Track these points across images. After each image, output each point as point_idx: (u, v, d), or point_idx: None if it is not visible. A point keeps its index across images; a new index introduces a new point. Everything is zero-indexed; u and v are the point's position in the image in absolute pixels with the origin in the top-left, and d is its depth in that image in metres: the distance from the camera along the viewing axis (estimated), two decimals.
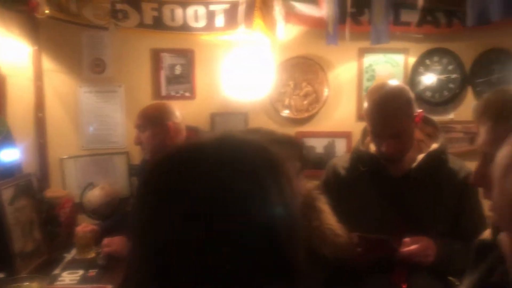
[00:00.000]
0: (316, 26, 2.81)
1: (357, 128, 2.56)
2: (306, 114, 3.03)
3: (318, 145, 3.04)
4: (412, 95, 1.87)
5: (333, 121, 3.05)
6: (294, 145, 1.36)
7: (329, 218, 1.42)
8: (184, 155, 0.69)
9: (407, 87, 1.92)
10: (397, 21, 2.83)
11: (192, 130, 2.45)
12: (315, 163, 2.92)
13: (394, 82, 2.03)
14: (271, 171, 0.67)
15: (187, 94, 2.99)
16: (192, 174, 0.65)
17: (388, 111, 1.81)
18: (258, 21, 2.71)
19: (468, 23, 2.03)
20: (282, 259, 0.65)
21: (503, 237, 0.55)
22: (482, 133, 1.10)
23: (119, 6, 2.64)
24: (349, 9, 2.55)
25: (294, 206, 0.68)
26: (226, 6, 2.72)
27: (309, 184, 1.49)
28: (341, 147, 3.03)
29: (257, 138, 0.74)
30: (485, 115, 1.08)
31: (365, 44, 2.79)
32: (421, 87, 3.00)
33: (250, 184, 0.65)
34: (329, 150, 3.03)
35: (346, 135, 3.01)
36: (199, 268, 0.62)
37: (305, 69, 3.01)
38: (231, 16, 2.72)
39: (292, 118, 3.03)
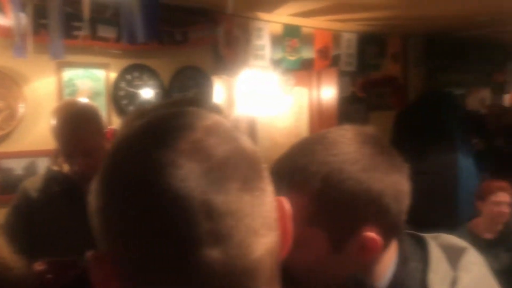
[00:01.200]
0: (6, 36, 2.57)
1: None
2: None
3: (16, 166, 2.77)
4: (100, 112, 1.89)
5: (33, 139, 2.84)
6: None
7: (1, 252, 1.29)
8: None
9: (95, 105, 1.93)
10: (94, 36, 2.82)
11: None
12: (14, 187, 2.66)
13: (83, 100, 2.02)
14: None
15: None
16: None
17: (79, 130, 1.78)
18: None
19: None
20: None
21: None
22: None
23: None
24: (32, 20, 2.41)
25: None
26: None
27: None
28: (44, 167, 2.83)
29: None
30: None
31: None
32: (124, 101, 3.06)
33: None
34: (31, 171, 2.80)
35: (50, 154, 2.83)
36: None
37: None
38: None
39: None
